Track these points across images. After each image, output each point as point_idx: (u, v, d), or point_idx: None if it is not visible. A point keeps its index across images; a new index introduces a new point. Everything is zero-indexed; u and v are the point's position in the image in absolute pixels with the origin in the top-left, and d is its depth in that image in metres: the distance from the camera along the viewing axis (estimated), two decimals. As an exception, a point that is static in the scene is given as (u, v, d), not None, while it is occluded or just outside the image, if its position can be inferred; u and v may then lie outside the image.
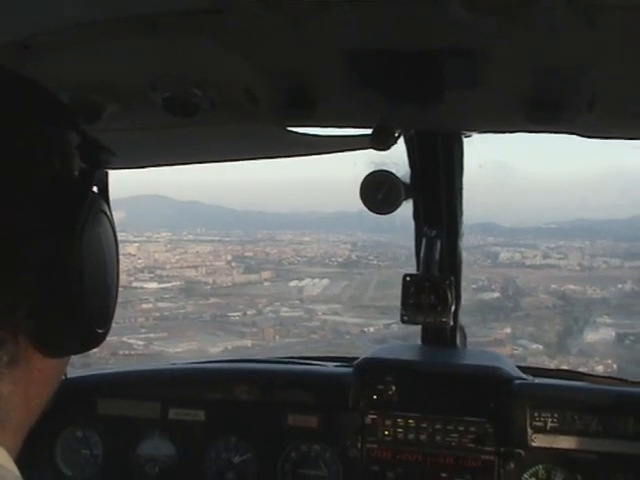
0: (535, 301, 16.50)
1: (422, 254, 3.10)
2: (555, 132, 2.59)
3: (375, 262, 19.91)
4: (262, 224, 20.45)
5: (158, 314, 16.48)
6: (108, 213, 1.09)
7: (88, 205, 1.02)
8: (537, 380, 3.04)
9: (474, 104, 2.34)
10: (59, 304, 0.98)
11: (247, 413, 3.12)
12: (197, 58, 2.02)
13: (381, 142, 2.56)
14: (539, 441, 2.89)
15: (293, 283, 19.86)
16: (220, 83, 2.18)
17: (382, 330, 17.40)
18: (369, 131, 2.59)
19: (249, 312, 18.26)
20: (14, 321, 0.95)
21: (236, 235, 20.35)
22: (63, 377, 1.16)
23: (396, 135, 2.66)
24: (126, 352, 13.80)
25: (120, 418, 3.17)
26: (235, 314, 18.13)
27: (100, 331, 1.07)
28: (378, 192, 2.90)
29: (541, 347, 13.96)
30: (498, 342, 13.63)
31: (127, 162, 2.88)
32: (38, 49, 1.93)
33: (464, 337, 3.44)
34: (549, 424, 2.88)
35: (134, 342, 14.54)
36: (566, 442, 2.88)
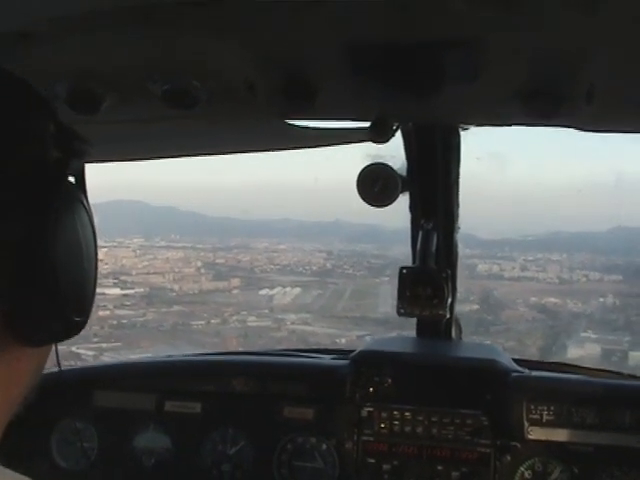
0: (515, 314, 16.47)
1: (419, 246, 3.18)
2: (553, 125, 2.68)
3: (350, 271, 19.88)
4: (237, 231, 20.33)
5: (115, 322, 16.17)
6: (85, 203, 1.11)
7: (62, 192, 1.04)
8: (534, 373, 3.13)
9: (472, 96, 2.39)
10: (34, 289, 0.99)
11: (243, 405, 3.18)
12: (196, 49, 2.04)
13: (380, 134, 2.64)
14: (535, 434, 2.96)
15: (263, 291, 19.62)
16: (219, 74, 2.20)
17: (354, 342, 17.36)
18: (367, 124, 2.69)
19: (213, 321, 17.73)
20: None
21: (210, 242, 20.21)
22: (57, 369, 1.20)
23: (394, 127, 2.75)
24: (72, 363, 13.53)
25: (116, 410, 3.22)
26: (198, 323, 17.40)
27: (78, 319, 1.08)
28: (375, 185, 2.99)
29: None
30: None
31: (124, 154, 2.93)
32: (37, 38, 1.96)
33: (459, 329, 3.52)
34: (545, 417, 2.95)
35: (83, 352, 14.18)
36: (562, 435, 2.95)
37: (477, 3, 1.64)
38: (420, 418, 3.07)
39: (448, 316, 3.23)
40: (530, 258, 17.49)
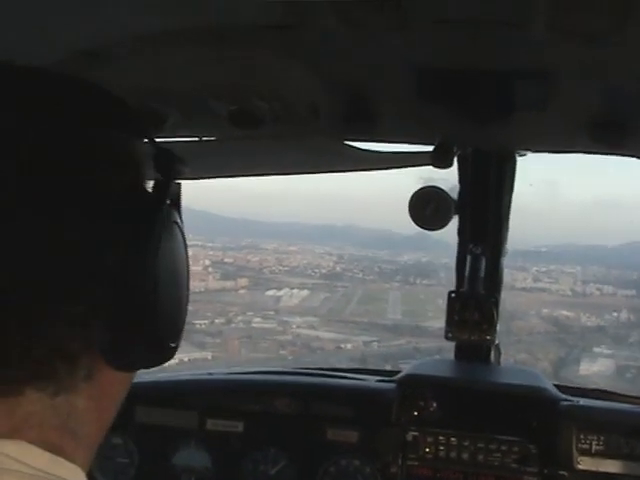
0: (527, 326, 16.52)
1: (467, 271, 3.19)
2: (616, 154, 2.71)
3: (360, 275, 19.88)
4: (249, 232, 20.36)
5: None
6: (180, 224, 1.11)
7: (163, 217, 1.03)
8: (582, 401, 3.14)
9: (537, 124, 2.43)
10: (133, 318, 0.99)
11: (286, 426, 3.18)
12: (264, 71, 2.08)
13: (442, 160, 2.68)
14: (585, 464, 2.96)
15: (270, 292, 19.59)
16: (285, 96, 2.24)
17: (361, 347, 17.23)
18: (427, 148, 2.71)
19: (217, 320, 17.96)
20: (89, 334, 0.96)
21: (220, 241, 20.20)
22: None
23: (456, 152, 2.79)
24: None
25: (157, 426, 3.22)
26: (202, 322, 17.64)
27: (172, 345, 1.08)
28: (427, 207, 3.02)
29: None
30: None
31: (191, 173, 2.95)
32: (105, 58, 1.98)
33: (499, 354, 3.52)
34: (595, 447, 2.95)
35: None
36: (612, 466, 2.95)
37: (562, 37, 1.66)
38: (466, 444, 3.07)
39: (497, 342, 3.24)
40: (543, 269, 17.57)
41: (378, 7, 1.63)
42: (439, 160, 2.70)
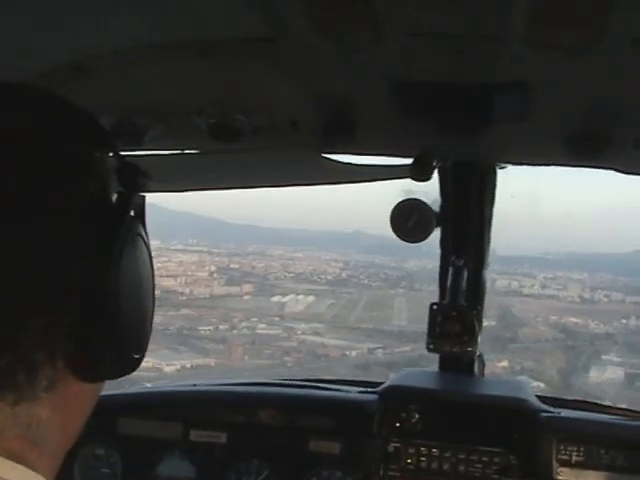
0: (534, 332, 16.45)
1: (449, 283, 3.23)
2: (595, 167, 2.75)
3: (366, 282, 19.86)
4: (255, 238, 20.37)
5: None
6: (144, 236, 1.12)
7: (126, 229, 1.05)
8: (563, 413, 3.17)
9: (517, 137, 2.47)
10: (97, 328, 1.00)
11: (269, 437, 3.21)
12: (247, 84, 2.14)
13: (421, 173, 2.70)
14: (565, 475, 2.99)
15: (275, 298, 19.48)
16: (266, 109, 2.29)
17: (365, 355, 17.02)
18: (406, 161, 2.75)
19: (221, 326, 17.88)
20: (52, 344, 0.97)
21: (227, 247, 20.21)
22: None
23: (435, 165, 2.82)
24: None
25: (141, 438, 3.26)
26: (205, 328, 17.69)
27: (136, 356, 1.09)
28: (408, 220, 3.06)
29: (542, 385, 13.49)
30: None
31: (163, 185, 3.00)
32: (88, 71, 2.04)
33: (482, 365, 3.55)
34: (575, 458, 2.98)
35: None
36: (592, 477, 2.97)
37: (541, 51, 1.71)
38: (447, 455, 3.10)
39: (478, 353, 3.28)
40: (550, 276, 17.51)
41: (355, 21, 1.68)
42: (418, 173, 2.73)
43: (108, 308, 1.00)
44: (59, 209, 0.99)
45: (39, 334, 0.95)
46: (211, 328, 17.85)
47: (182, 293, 18.34)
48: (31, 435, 0.98)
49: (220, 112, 2.25)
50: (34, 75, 1.96)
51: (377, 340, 17.17)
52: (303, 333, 18.11)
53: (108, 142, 1.12)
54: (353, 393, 3.37)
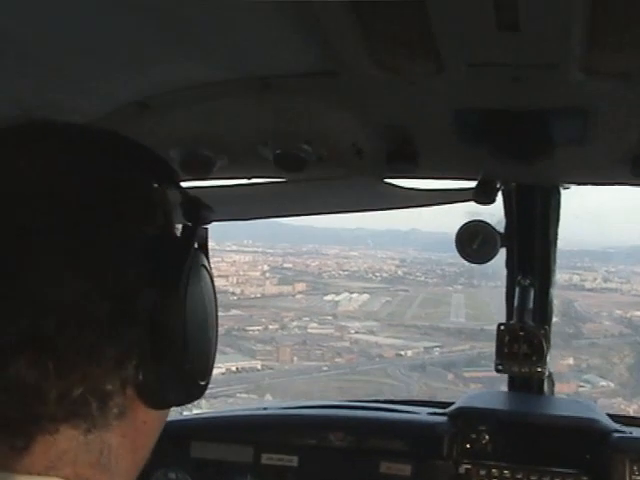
0: (599, 328, 16.17)
1: (516, 303, 3.30)
2: None
3: (422, 278, 19.77)
4: (310, 238, 20.40)
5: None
6: (208, 267, 1.18)
7: (190, 261, 1.11)
8: (635, 432, 3.21)
9: (579, 159, 2.52)
10: (165, 357, 1.05)
11: (340, 460, 3.30)
12: (310, 116, 2.23)
13: (485, 196, 2.78)
14: None
15: (329, 297, 19.39)
16: (329, 139, 2.38)
17: (421, 354, 16.90)
18: (469, 184, 2.83)
19: (272, 326, 17.93)
20: (123, 374, 1.03)
21: (281, 247, 20.25)
22: None
23: (498, 188, 2.89)
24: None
25: (213, 461, 3.36)
26: (255, 328, 17.69)
27: (202, 383, 1.15)
28: (473, 242, 3.14)
29: (612, 385, 13.14)
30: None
31: (230, 214, 3.12)
32: (156, 108, 2.18)
33: (552, 384, 3.61)
34: None
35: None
36: None
37: (597, 77, 1.78)
38: (519, 476, 3.16)
39: (547, 374, 3.35)
40: (612, 269, 17.29)
41: (415, 54, 1.76)
42: (482, 196, 2.80)
43: (175, 338, 1.06)
44: (127, 242, 1.05)
45: (111, 365, 1.01)
46: (260, 328, 17.86)
47: (233, 293, 18.38)
48: (103, 462, 1.04)
49: (284, 143, 2.34)
50: (99, 115, 2.07)
51: (434, 338, 17.06)
52: (357, 332, 17.94)
53: (171, 176, 1.19)
54: (422, 414, 3.45)
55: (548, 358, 3.30)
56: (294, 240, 20.39)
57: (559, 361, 13.94)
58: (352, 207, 3.41)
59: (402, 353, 17.15)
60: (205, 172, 2.45)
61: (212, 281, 1.19)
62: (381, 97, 2.11)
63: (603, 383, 13.40)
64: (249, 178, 2.80)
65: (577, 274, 17.05)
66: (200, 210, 1.17)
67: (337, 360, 16.99)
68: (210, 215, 1.19)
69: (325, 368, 16.42)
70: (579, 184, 3.07)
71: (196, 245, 1.15)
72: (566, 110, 2.09)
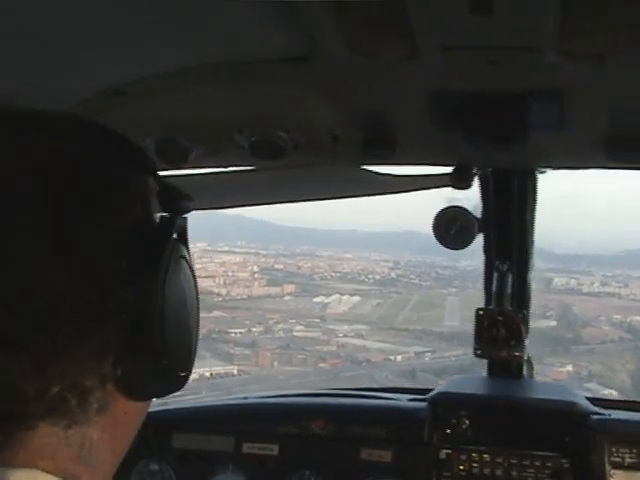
0: (598, 333, 16.07)
1: (494, 288, 3.40)
2: (633, 169, 2.90)
3: (416, 281, 19.72)
4: (304, 240, 20.37)
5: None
6: (187, 257, 1.17)
7: (169, 252, 1.10)
8: (613, 414, 3.30)
9: (555, 143, 2.59)
10: (144, 351, 1.06)
11: (321, 447, 3.39)
12: (284, 103, 2.30)
13: (462, 181, 2.88)
14: (618, 477, 3.12)
15: (318, 299, 19.29)
16: (305, 126, 2.44)
17: (412, 359, 16.83)
18: (446, 170, 2.93)
19: (255, 329, 17.86)
20: (102, 369, 1.04)
21: (275, 249, 20.15)
22: None
23: (474, 173, 3.00)
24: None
25: (194, 452, 3.45)
26: (237, 331, 17.55)
27: (182, 374, 1.16)
28: (451, 228, 3.24)
29: (615, 393, 12.88)
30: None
31: (207, 203, 3.20)
32: (131, 95, 2.24)
33: (531, 368, 3.71)
34: (627, 459, 3.11)
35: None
36: None
37: (574, 59, 1.84)
38: (499, 460, 3.26)
39: (526, 357, 3.45)
40: (609, 274, 17.28)
41: (390, 37, 1.80)
42: (459, 181, 2.89)
43: (154, 330, 1.06)
44: (102, 234, 1.04)
45: (89, 361, 1.03)
46: (242, 331, 17.67)
47: (218, 294, 18.30)
48: (84, 455, 1.06)
49: (261, 131, 2.41)
50: (71, 103, 2.11)
51: (426, 343, 16.91)
52: (344, 335, 17.65)
53: (148, 165, 1.19)
54: (402, 401, 3.54)
55: (527, 342, 3.40)
56: (288, 242, 20.36)
57: (558, 368, 14.03)
58: (330, 194, 3.49)
59: (391, 358, 16.94)
60: (181, 161, 2.52)
61: (192, 271, 1.19)
62: (356, 82, 2.15)
63: (605, 392, 12.99)
64: (226, 167, 2.88)
65: (574, 278, 17.08)
66: (179, 199, 1.18)
67: (321, 365, 16.80)
68: (189, 204, 1.19)
69: (308, 374, 16.14)
70: (555, 168, 3.16)
71: (175, 235, 1.14)
72: (542, 93, 2.14)
